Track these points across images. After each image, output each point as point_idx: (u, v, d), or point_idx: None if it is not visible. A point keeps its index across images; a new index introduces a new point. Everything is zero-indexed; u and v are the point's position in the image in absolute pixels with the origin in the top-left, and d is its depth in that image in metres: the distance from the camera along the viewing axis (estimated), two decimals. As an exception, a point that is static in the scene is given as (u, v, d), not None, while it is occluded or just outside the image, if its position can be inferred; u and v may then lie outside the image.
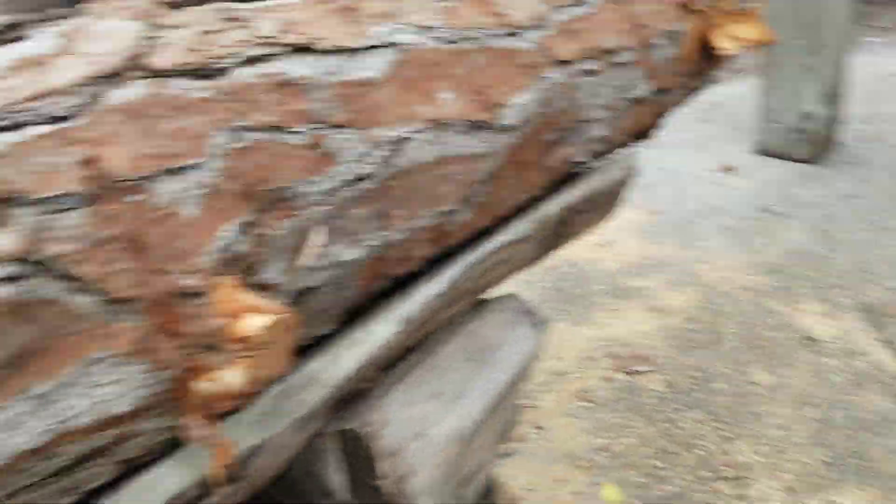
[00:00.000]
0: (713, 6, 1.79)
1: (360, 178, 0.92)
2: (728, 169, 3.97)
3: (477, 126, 1.10)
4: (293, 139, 0.85)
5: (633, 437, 2.15)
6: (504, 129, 1.15)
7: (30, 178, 0.63)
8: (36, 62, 0.72)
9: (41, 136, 0.66)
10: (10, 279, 0.61)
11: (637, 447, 2.11)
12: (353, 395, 1.03)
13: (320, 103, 0.89)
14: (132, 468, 0.75)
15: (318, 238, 0.84)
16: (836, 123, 4.04)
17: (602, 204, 1.47)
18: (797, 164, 3.92)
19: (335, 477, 1.02)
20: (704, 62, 1.81)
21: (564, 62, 1.30)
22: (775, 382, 2.30)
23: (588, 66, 1.36)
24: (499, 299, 1.30)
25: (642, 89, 1.53)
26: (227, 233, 0.75)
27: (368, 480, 0.98)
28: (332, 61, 0.93)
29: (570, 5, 1.36)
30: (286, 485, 1.07)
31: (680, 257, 3.07)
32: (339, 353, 0.92)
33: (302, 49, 0.91)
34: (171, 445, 0.77)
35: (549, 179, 1.37)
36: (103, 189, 0.67)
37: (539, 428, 2.20)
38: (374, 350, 0.97)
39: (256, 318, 0.71)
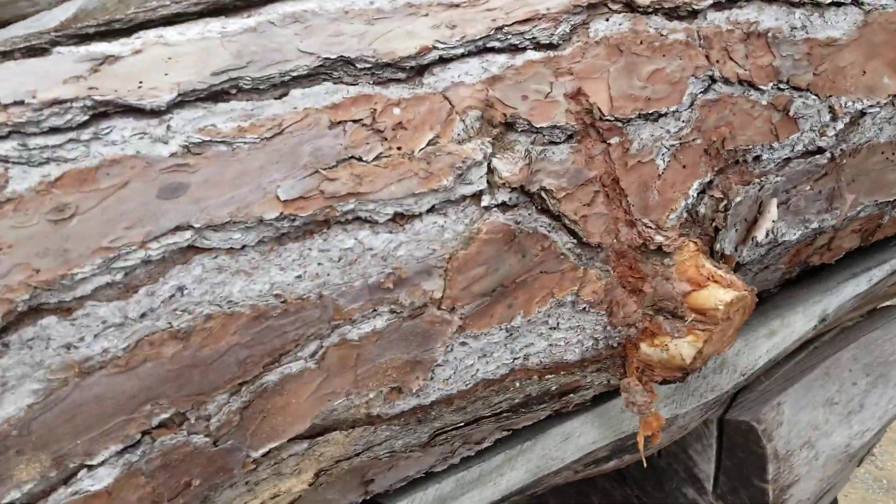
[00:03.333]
0: None
1: (816, 151, 0.81)
2: None
3: (941, 108, 0.93)
4: (759, 97, 0.76)
5: None
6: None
7: (526, 105, 0.62)
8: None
9: (533, 63, 0.64)
10: (508, 206, 0.60)
11: None
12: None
13: (788, 61, 0.79)
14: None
15: (772, 211, 0.75)
16: None
17: None
18: None
19: (705, 466, 0.94)
20: None
21: None
22: None
23: None
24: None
25: None
26: (693, 191, 0.69)
27: (754, 480, 0.89)
28: (800, 15, 0.82)
29: None
30: (642, 465, 1.01)
31: None
32: (756, 341, 0.83)
33: (771, -2, 0.82)
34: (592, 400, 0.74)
35: None
36: (588, 126, 0.65)
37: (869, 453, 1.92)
38: (788, 343, 0.87)
39: (720, 291, 0.65)
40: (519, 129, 0.61)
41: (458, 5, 0.67)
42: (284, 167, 0.54)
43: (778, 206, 0.78)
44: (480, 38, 0.64)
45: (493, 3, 0.68)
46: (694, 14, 0.75)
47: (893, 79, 0.90)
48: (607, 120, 0.65)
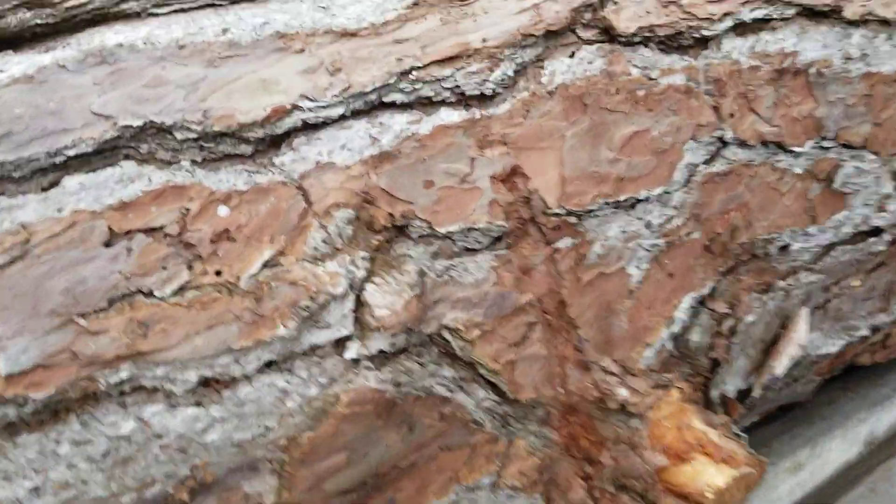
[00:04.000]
0: None
1: (870, 233, 0.59)
2: None
3: None
4: (792, 163, 0.54)
5: None
6: None
7: (429, 196, 0.42)
8: None
9: (447, 128, 0.44)
10: (388, 357, 0.40)
11: None
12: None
13: (837, 107, 0.57)
14: None
15: (801, 330, 0.54)
16: None
17: None
18: None
19: None
20: None
21: None
22: None
23: None
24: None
25: None
26: (682, 311, 0.48)
27: None
28: (859, 39, 0.60)
29: None
30: None
31: None
32: (775, 478, 0.63)
33: (820, 13, 0.59)
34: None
35: None
36: (525, 224, 0.44)
37: None
38: (821, 479, 0.66)
39: (711, 469, 0.44)
40: (414, 237, 0.41)
41: (354, 34, 0.47)
42: (16, 317, 0.35)
43: (813, 313, 0.57)
44: (373, 90, 0.43)
45: (408, 30, 0.48)
46: (703, 43, 0.53)
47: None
48: (555, 214, 0.45)
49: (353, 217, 0.40)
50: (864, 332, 0.62)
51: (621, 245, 0.46)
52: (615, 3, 0.51)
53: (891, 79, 0.61)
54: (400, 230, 0.41)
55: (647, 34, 0.51)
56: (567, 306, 0.44)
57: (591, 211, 0.46)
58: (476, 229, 0.42)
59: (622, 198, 0.47)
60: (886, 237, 0.61)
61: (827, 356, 0.60)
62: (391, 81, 0.44)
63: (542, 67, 0.48)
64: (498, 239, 0.43)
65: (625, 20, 0.50)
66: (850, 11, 0.61)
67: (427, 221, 0.41)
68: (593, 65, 0.49)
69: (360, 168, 0.41)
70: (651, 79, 0.50)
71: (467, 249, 0.42)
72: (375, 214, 0.40)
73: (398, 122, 0.43)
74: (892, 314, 0.64)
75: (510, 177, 0.44)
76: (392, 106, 0.44)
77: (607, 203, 0.46)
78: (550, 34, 0.49)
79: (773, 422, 0.67)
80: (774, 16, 0.58)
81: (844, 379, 0.71)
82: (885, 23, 0.62)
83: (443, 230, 0.41)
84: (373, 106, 0.44)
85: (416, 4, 0.48)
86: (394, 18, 0.47)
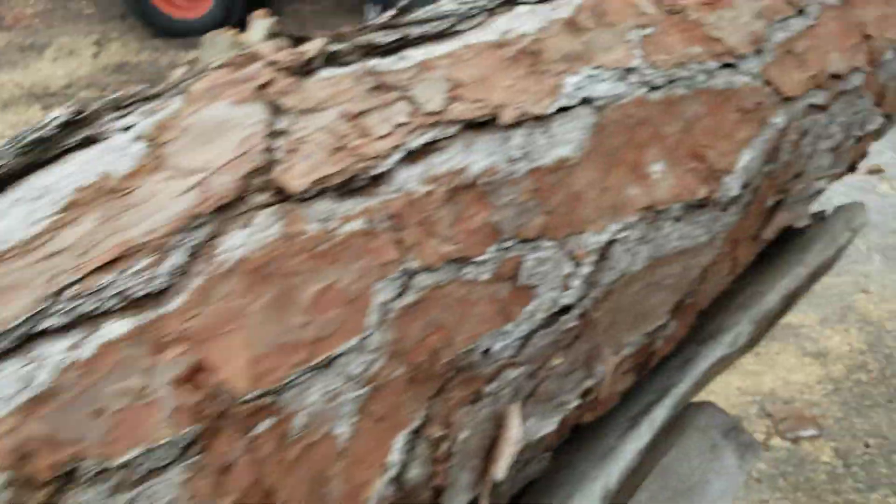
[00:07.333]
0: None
1: (561, 311, 0.66)
2: (876, 171, 3.54)
3: (696, 207, 0.83)
4: (478, 273, 0.59)
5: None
6: (727, 203, 0.87)
7: (100, 426, 0.40)
8: (108, 190, 0.49)
9: (114, 344, 0.42)
10: None
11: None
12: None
13: (510, 209, 0.63)
14: None
15: (514, 426, 0.59)
16: None
17: (824, 272, 1.17)
18: (963, 162, 3.45)
19: None
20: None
21: (789, 98, 1.00)
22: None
23: (815, 99, 1.06)
24: (695, 413, 1.03)
25: (875, 120, 1.21)
26: (396, 453, 0.50)
27: None
28: (519, 140, 0.67)
29: (789, 17, 1.05)
30: None
31: (833, 286, 2.71)
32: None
33: (479, 125, 0.65)
34: None
35: (755, 254, 1.09)
36: (217, 421, 0.44)
37: None
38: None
39: None
40: (85, 479, 0.39)
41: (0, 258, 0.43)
42: None
43: (525, 403, 0.62)
44: (22, 323, 0.40)
45: (62, 239, 0.45)
46: (377, 180, 0.56)
47: (639, 186, 0.77)
48: (248, 400, 0.44)
49: (9, 480, 0.37)
50: (576, 401, 0.69)
51: (324, 407, 0.47)
52: (284, 162, 0.52)
53: (553, 168, 0.69)
54: (69, 477, 0.38)
55: (322, 186, 0.53)
56: (275, 493, 0.44)
57: (287, 384, 0.46)
58: (156, 448, 0.41)
59: (318, 360, 0.48)
60: (576, 311, 0.69)
61: (548, 435, 0.67)
62: (44, 307, 0.41)
63: (215, 247, 0.47)
64: (189, 446, 0.42)
65: (297, 178, 0.52)
66: (506, 117, 0.68)
67: (100, 457, 0.39)
68: (271, 230, 0.49)
69: (13, 420, 0.38)
70: (331, 231, 0.52)
71: (153, 471, 0.40)
72: (36, 469, 0.37)
73: (56, 352, 0.40)
74: (596, 376, 0.73)
75: (194, 375, 0.43)
76: (47, 333, 0.41)
77: (304, 370, 0.47)
78: (221, 209, 0.48)
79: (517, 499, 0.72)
80: (440, 137, 0.63)
81: (578, 439, 0.79)
82: (538, 119, 0.71)
83: (119, 461, 0.39)
84: (24, 340, 0.40)
85: (70, 206, 0.46)
86: (45, 229, 0.44)
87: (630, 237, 0.75)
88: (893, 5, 1.27)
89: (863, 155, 1.46)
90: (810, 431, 2.11)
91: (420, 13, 0.79)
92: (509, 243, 0.63)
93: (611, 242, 0.73)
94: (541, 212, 0.67)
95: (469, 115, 0.66)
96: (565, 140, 0.71)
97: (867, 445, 2.06)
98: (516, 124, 0.68)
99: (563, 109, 0.73)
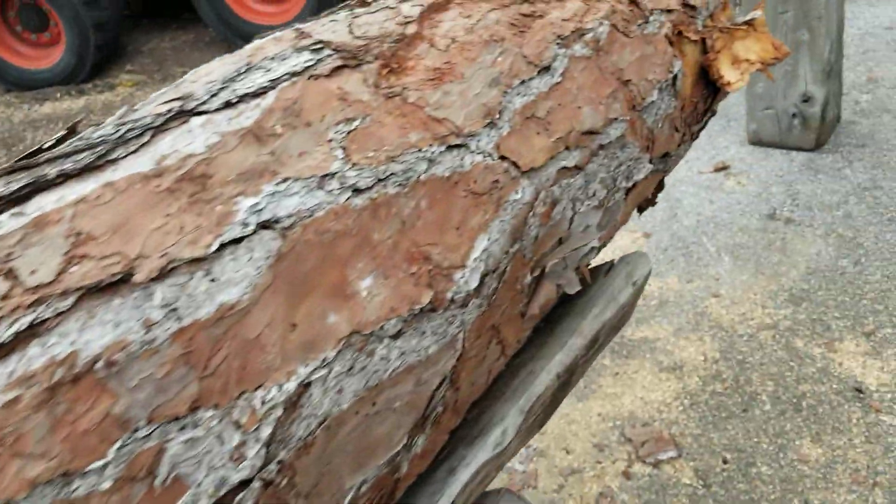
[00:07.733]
0: (709, 28, 1.47)
1: (237, 489, 0.58)
2: (722, 168, 3.67)
3: (422, 315, 0.76)
4: (96, 484, 0.50)
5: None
6: (465, 299, 0.81)
7: None
8: None
9: None
10: None
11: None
12: None
13: (144, 390, 0.54)
14: None
15: None
16: (835, 102, 3.76)
17: (611, 334, 1.14)
18: (798, 154, 3.62)
19: None
20: (708, 98, 1.49)
21: (534, 169, 0.96)
22: (828, 457, 1.99)
23: (566, 161, 1.03)
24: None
25: (641, 168, 1.20)
26: None
27: None
28: (163, 295, 0.58)
29: (530, 78, 1.01)
30: None
31: (685, 292, 2.75)
32: None
33: (106, 288, 0.56)
34: None
35: (530, 329, 1.03)
36: None
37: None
38: None
39: None
40: None
41: None
42: None
43: None
44: None
45: None
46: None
47: (341, 311, 0.70)
48: None
49: None
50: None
51: None
52: None
53: (213, 319, 0.61)
54: None
55: None
56: None
57: None
58: None
59: None
60: (257, 484, 0.60)
61: None
62: None
63: None
64: None
65: None
66: (145, 271, 0.59)
67: None
68: None
69: None
70: None
71: None
72: None
73: None
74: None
75: None
76: None
77: None
78: None
79: None
80: (44, 317, 0.53)
81: None
82: (194, 262, 0.62)
83: None
84: None
85: None
86: None
87: (330, 374, 0.67)
88: (651, 41, 1.26)
89: (656, 191, 1.46)
90: (670, 453, 2.11)
91: (70, 143, 0.70)
92: (143, 432, 0.54)
93: (306, 386, 0.65)
94: (194, 379, 0.58)
95: (92, 278, 0.56)
96: (232, 281, 0.63)
97: (725, 462, 2.07)
98: (159, 277, 0.59)
99: (233, 242, 0.65)
